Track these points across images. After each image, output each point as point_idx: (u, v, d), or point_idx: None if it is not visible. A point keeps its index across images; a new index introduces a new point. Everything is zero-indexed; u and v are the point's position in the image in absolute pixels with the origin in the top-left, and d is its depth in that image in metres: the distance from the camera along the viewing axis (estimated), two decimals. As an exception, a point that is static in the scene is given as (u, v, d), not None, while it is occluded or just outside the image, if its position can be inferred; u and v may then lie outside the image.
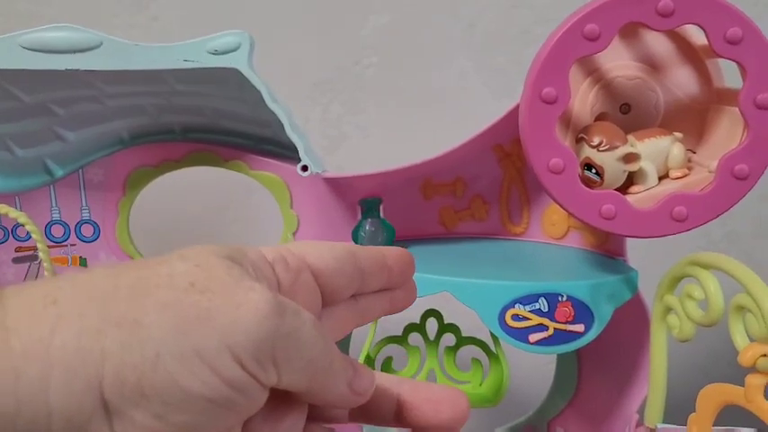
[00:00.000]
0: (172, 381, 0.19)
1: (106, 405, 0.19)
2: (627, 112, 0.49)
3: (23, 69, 0.50)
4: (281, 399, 0.23)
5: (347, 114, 0.84)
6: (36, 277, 0.62)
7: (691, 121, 0.49)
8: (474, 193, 0.59)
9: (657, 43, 0.49)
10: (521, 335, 0.48)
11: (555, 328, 0.48)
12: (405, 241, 0.58)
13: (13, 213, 0.51)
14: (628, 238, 0.54)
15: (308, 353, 0.22)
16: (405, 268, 0.28)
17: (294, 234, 0.58)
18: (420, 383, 0.27)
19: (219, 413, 0.20)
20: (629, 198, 0.46)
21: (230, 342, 0.20)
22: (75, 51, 0.49)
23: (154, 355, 0.19)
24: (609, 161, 0.46)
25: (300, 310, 0.22)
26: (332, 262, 0.25)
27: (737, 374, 0.42)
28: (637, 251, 0.55)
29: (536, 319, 0.48)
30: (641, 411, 0.51)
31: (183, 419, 0.20)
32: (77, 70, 0.50)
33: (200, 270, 0.21)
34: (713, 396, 0.44)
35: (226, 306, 0.20)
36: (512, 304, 0.47)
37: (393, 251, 0.28)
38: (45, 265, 0.51)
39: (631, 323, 0.52)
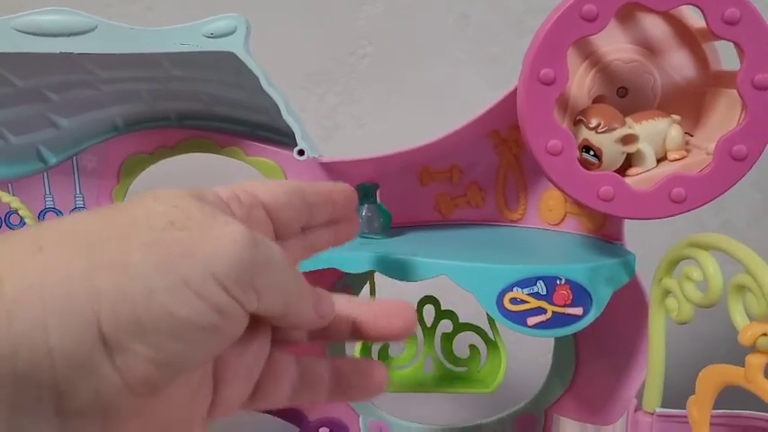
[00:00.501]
0: (165, 311, 0.21)
1: (105, 340, 0.20)
2: (624, 96, 0.49)
3: (17, 53, 0.49)
4: (247, 327, 0.24)
5: (342, 104, 0.84)
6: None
7: (688, 104, 0.49)
8: (470, 179, 0.59)
9: (654, 26, 0.49)
10: (519, 318, 0.47)
11: (553, 312, 0.47)
12: (401, 227, 0.58)
13: (6, 198, 0.50)
14: (625, 223, 0.54)
15: (283, 278, 0.24)
16: (348, 202, 0.30)
17: (290, 220, 0.58)
18: (372, 303, 0.29)
19: (208, 339, 0.22)
20: (627, 180, 0.46)
21: (214, 270, 0.21)
22: (69, 35, 0.49)
23: (145, 289, 0.20)
24: (607, 143, 0.46)
25: (269, 240, 0.23)
26: (282, 196, 0.27)
27: (736, 359, 0.42)
28: (633, 237, 0.55)
29: (534, 303, 0.47)
30: (639, 396, 0.51)
31: (177, 348, 0.21)
32: (72, 54, 0.50)
33: (177, 210, 0.22)
34: (713, 377, 0.43)
35: (206, 239, 0.22)
36: (510, 287, 0.47)
37: (337, 185, 0.30)
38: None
39: (629, 307, 0.52)
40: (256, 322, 0.25)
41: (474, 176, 0.59)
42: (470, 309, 0.59)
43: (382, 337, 0.29)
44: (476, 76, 0.84)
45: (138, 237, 0.21)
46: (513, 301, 0.47)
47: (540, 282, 0.47)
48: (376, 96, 0.84)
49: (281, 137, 0.59)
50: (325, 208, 0.29)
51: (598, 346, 0.57)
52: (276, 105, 0.54)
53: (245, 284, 0.22)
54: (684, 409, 0.46)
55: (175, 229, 0.22)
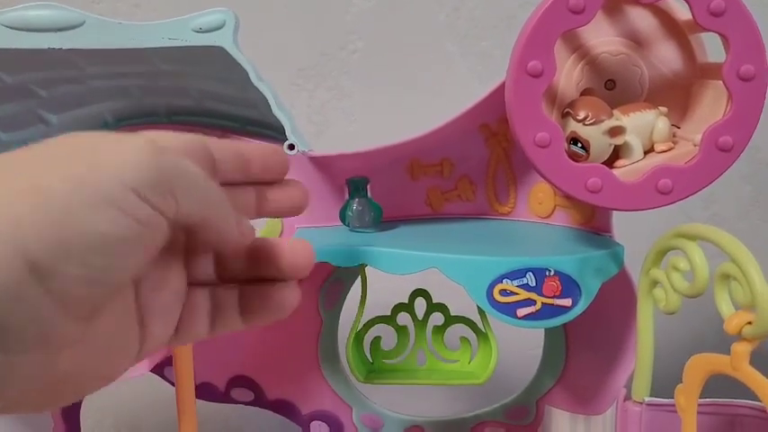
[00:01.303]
0: (86, 227, 0.21)
1: (34, 266, 0.21)
2: (612, 88, 0.50)
3: (5, 49, 0.49)
4: (164, 263, 0.27)
5: (333, 100, 0.84)
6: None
7: (675, 96, 0.50)
8: (461, 173, 0.59)
9: (641, 19, 0.49)
10: (509, 309, 0.48)
11: (543, 303, 0.48)
12: (392, 221, 0.58)
13: None
14: (613, 216, 0.54)
15: (200, 187, 0.25)
16: (270, 162, 0.31)
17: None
18: (276, 240, 0.31)
19: (132, 250, 0.23)
20: (614, 171, 0.46)
21: (125, 179, 0.22)
22: (57, 30, 0.49)
23: (63, 208, 0.21)
24: (595, 135, 0.46)
25: (184, 156, 0.25)
26: (178, 143, 0.27)
27: (723, 348, 0.43)
28: (621, 230, 0.55)
29: (524, 294, 0.48)
30: (629, 386, 0.52)
31: (104, 262, 0.22)
32: (60, 49, 0.49)
33: (84, 137, 0.24)
34: (700, 366, 0.44)
35: (112, 152, 0.23)
36: (499, 279, 0.48)
37: (254, 144, 0.31)
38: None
39: (618, 299, 0.53)
40: (170, 260, 0.27)
41: (465, 170, 0.59)
42: (461, 302, 0.59)
43: (291, 270, 0.31)
44: (467, 71, 0.84)
45: (51, 162, 0.22)
46: (503, 292, 0.48)
47: (530, 273, 0.48)
48: (367, 92, 0.85)
49: (272, 132, 0.59)
50: (234, 163, 0.29)
51: (588, 338, 0.58)
52: (266, 100, 0.54)
53: (161, 190, 0.23)
54: (672, 398, 0.46)
55: (84, 150, 0.23)
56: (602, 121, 0.46)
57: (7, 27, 0.48)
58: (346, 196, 0.56)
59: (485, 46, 0.84)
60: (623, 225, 0.55)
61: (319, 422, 0.62)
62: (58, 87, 0.56)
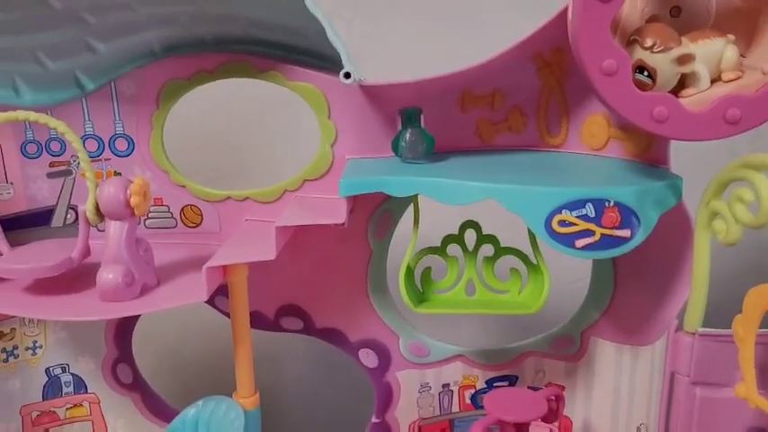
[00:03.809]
0: None
1: None
2: (677, 15, 0.48)
3: (57, -27, 0.48)
4: None
5: (369, 30, 0.83)
6: (71, 192, 0.62)
7: (741, 23, 0.48)
8: (512, 104, 0.58)
9: (711, -58, 0.47)
10: (567, 240, 0.48)
11: (602, 234, 0.48)
12: (442, 153, 0.58)
13: (53, 123, 0.50)
14: (671, 146, 0.53)
15: None
16: None
17: (332, 145, 0.58)
18: None
19: None
20: (681, 101, 0.45)
21: None
22: (111, -47, 0.48)
23: None
24: (662, 63, 0.45)
25: None
26: None
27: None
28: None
29: (583, 225, 0.48)
30: (680, 317, 0.52)
31: None
32: (113, -27, 0.49)
33: None
34: (761, 297, 0.44)
35: None
36: (558, 210, 0.47)
37: None
38: (87, 174, 0.51)
39: (673, 230, 0.53)
40: None
41: (516, 101, 0.58)
42: (510, 234, 0.59)
43: None
44: (506, 2, 0.82)
45: None
46: (562, 223, 0.48)
47: (589, 204, 0.47)
48: (401, 21, 0.83)
49: (320, 61, 0.58)
50: None
51: (638, 269, 0.58)
52: (315, 29, 0.53)
53: None
54: (722, 328, 0.47)
55: None
56: (671, 48, 0.45)
57: (60, -50, 0.47)
58: (398, 127, 0.55)
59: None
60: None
61: (367, 350, 0.63)
62: (107, 14, 0.55)
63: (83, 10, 0.54)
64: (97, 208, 0.51)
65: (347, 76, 0.53)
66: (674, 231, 0.53)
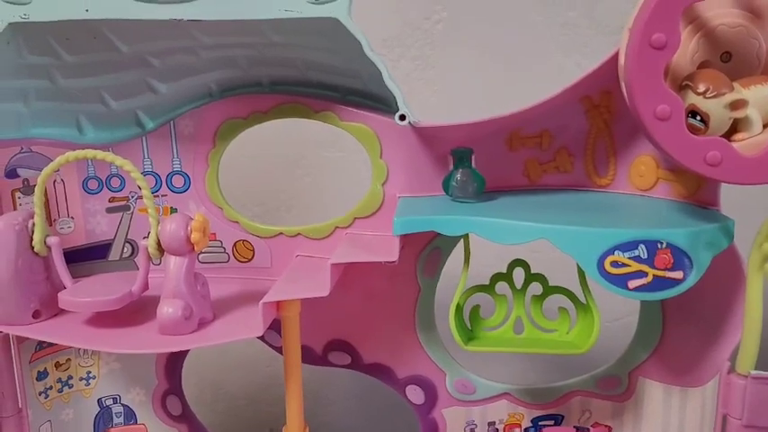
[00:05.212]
0: None
1: None
2: (727, 61, 0.49)
3: (128, 20, 0.51)
4: None
5: (416, 70, 0.85)
6: (128, 227, 0.64)
7: (792, 69, 0.49)
8: (560, 144, 0.59)
9: (761, -10, 0.48)
10: (620, 281, 0.48)
11: (654, 275, 0.48)
12: (490, 192, 0.58)
13: (119, 161, 0.52)
14: (721, 189, 0.54)
15: None
16: None
17: (383, 184, 0.59)
18: None
19: None
20: (734, 145, 0.46)
21: None
22: (180, 1, 0.50)
23: None
24: (715, 108, 0.46)
25: None
26: None
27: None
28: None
29: (635, 266, 0.48)
30: (732, 359, 0.52)
31: None
32: (181, 20, 0.51)
33: None
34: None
35: None
36: (611, 251, 0.48)
37: None
38: (150, 212, 0.52)
39: (723, 271, 0.53)
40: None
41: (563, 141, 0.59)
42: (558, 273, 0.60)
43: None
44: (551, 41, 0.84)
45: None
46: (615, 264, 0.48)
47: (642, 245, 0.48)
48: (449, 62, 0.85)
49: (373, 102, 0.60)
50: None
51: (688, 310, 0.58)
52: (370, 72, 0.55)
53: None
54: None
55: None
56: (724, 94, 0.45)
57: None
58: (450, 167, 0.57)
59: (571, 16, 0.83)
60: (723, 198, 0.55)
61: (414, 386, 0.64)
62: (171, 57, 0.57)
63: (148, 54, 0.56)
64: (158, 243, 0.53)
65: (402, 118, 0.55)
66: (725, 272, 0.53)
